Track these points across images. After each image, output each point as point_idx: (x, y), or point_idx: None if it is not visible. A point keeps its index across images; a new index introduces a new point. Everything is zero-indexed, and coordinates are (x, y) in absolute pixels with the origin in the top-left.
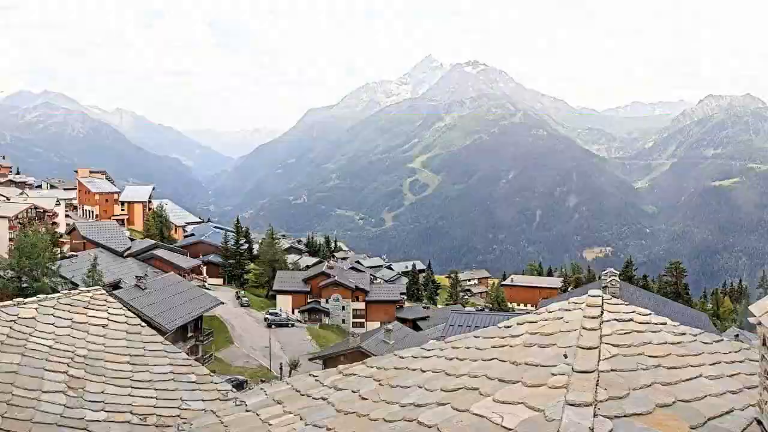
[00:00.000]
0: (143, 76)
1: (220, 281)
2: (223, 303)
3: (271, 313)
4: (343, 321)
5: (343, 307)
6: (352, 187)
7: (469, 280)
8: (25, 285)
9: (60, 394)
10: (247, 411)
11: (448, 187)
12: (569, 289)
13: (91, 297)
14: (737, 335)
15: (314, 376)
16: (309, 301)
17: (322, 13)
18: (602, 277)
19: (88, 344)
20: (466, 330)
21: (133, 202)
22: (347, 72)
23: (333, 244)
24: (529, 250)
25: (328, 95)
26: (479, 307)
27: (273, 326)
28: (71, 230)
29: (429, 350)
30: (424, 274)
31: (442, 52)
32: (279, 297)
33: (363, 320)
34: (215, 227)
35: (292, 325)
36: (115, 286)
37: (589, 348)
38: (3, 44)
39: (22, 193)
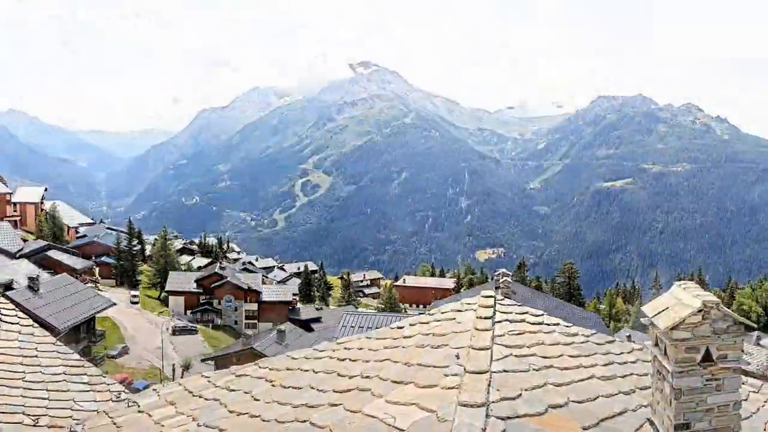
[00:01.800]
0: (37, 76)
1: (112, 282)
2: (115, 304)
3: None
4: (236, 322)
5: (236, 308)
6: (244, 188)
7: (362, 281)
8: None
9: None
10: (139, 412)
11: (340, 188)
12: (462, 289)
13: None
14: (629, 336)
15: (207, 377)
16: (201, 302)
17: (215, 12)
18: (495, 278)
19: None
20: (359, 331)
21: (26, 203)
22: (239, 73)
23: (225, 245)
24: (421, 251)
25: (220, 96)
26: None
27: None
28: None
29: (321, 351)
30: (316, 275)
31: (335, 53)
32: (171, 298)
33: (255, 321)
34: (108, 228)
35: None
36: (7, 287)
37: (482, 349)
38: None
39: None
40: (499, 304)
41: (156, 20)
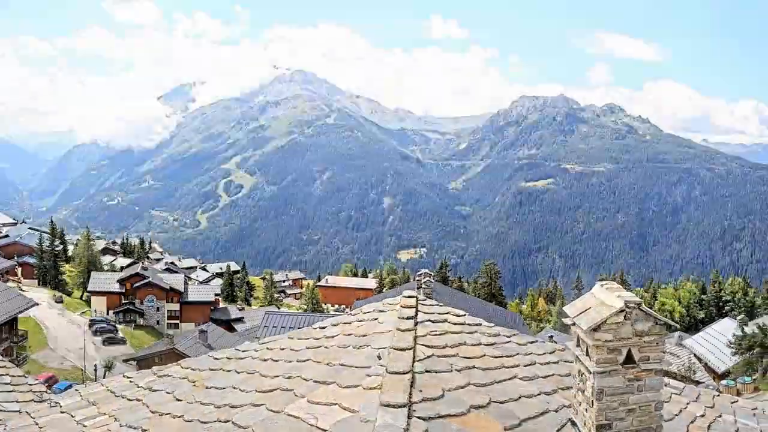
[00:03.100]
0: None
1: (35, 282)
2: (37, 304)
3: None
4: (158, 322)
5: (158, 308)
6: (166, 188)
7: (284, 281)
8: None
9: None
10: (61, 412)
11: (262, 188)
12: (384, 290)
13: None
14: (552, 336)
15: (129, 377)
16: (124, 302)
17: (140, 13)
18: (417, 278)
19: None
20: (281, 331)
21: None
22: (161, 72)
23: (148, 245)
24: (344, 251)
25: (143, 96)
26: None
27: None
28: None
29: (243, 351)
30: (238, 275)
31: (258, 54)
32: (94, 298)
33: (178, 321)
34: (30, 228)
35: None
36: None
37: (404, 349)
38: None
39: None
40: (421, 304)
41: (78, 18)
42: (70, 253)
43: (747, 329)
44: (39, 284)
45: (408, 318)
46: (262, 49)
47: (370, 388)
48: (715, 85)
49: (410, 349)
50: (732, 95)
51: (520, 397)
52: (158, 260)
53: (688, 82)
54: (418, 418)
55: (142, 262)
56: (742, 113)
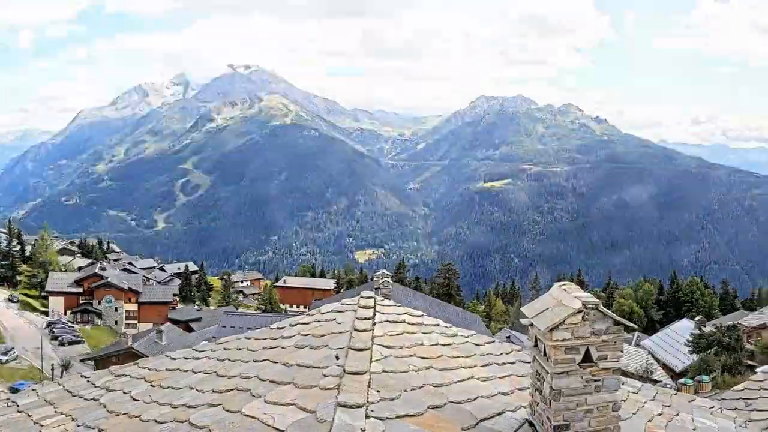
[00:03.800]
0: None
1: None
2: None
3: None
4: (116, 322)
5: (116, 309)
6: (123, 189)
7: (242, 282)
8: None
9: None
10: (18, 412)
11: (220, 188)
12: (342, 290)
13: None
14: (509, 336)
15: (86, 377)
16: (81, 302)
17: (90, 12)
18: (374, 279)
19: None
20: (239, 331)
21: None
22: (119, 72)
23: (106, 246)
24: (301, 251)
25: (100, 96)
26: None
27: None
28: None
29: (201, 351)
30: (196, 276)
31: (215, 53)
32: (51, 298)
33: (135, 321)
34: None
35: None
36: None
37: (361, 349)
38: None
39: None
40: (379, 304)
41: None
42: (27, 254)
43: (705, 329)
44: None
45: (365, 318)
46: (219, 48)
47: (328, 389)
48: (673, 87)
49: (368, 349)
50: (690, 97)
51: (477, 398)
52: (116, 260)
53: (644, 82)
54: (376, 418)
55: (100, 263)
56: (700, 114)
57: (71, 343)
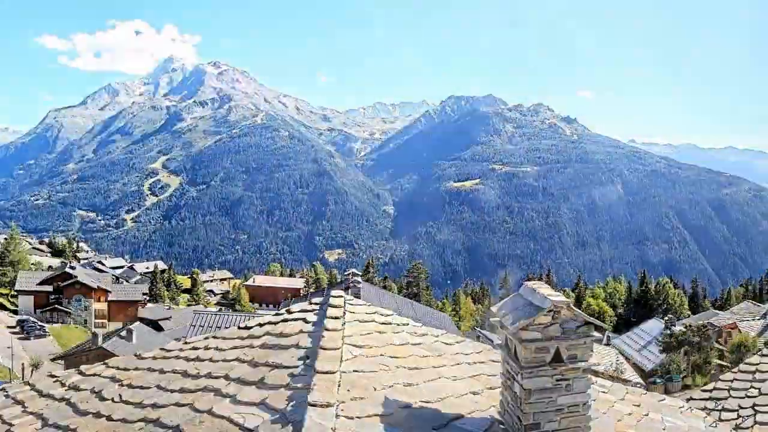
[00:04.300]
0: None
1: None
2: None
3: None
4: (85, 321)
5: (86, 307)
6: (93, 188)
7: (212, 281)
8: None
9: None
10: None
11: (189, 188)
12: (311, 289)
13: None
14: (479, 336)
15: (55, 376)
16: (51, 301)
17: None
18: (344, 278)
19: None
20: (208, 331)
21: None
22: (90, 72)
23: (75, 245)
24: (271, 250)
25: (70, 95)
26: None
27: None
28: None
29: (170, 351)
30: (166, 275)
31: (185, 53)
32: (21, 297)
33: (105, 320)
34: None
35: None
36: None
37: (331, 349)
38: None
39: None
40: (349, 304)
41: None
42: None
43: (674, 329)
44: None
45: (335, 318)
46: (189, 47)
47: (298, 388)
48: (644, 86)
49: (337, 348)
50: (661, 97)
51: (447, 397)
52: (86, 260)
53: (614, 82)
54: (346, 417)
55: (70, 262)
56: (669, 114)
57: (37, 336)
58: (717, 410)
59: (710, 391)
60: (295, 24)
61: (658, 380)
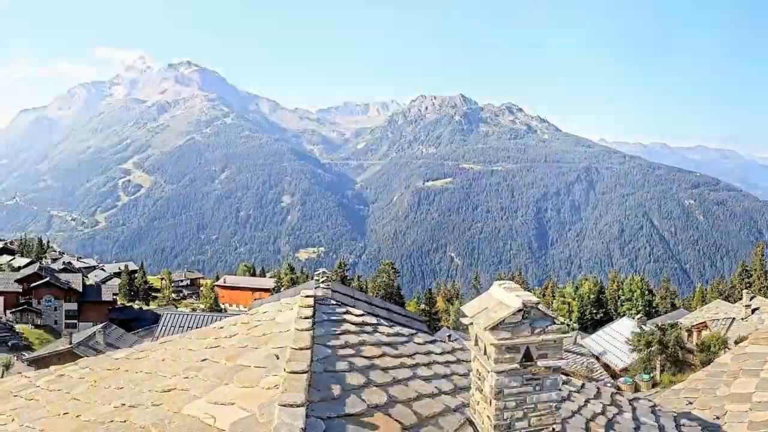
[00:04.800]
0: None
1: None
2: None
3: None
4: (56, 322)
5: (56, 308)
6: (65, 188)
7: (182, 281)
8: None
9: None
10: None
11: (161, 188)
12: (282, 289)
13: None
14: (450, 336)
15: (27, 377)
16: (21, 301)
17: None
18: (315, 278)
19: None
20: (179, 330)
21: None
22: (61, 71)
23: (46, 245)
24: (241, 250)
25: (41, 95)
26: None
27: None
28: None
29: (141, 351)
30: (137, 275)
31: (157, 53)
32: None
33: (76, 321)
34: None
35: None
36: None
37: (302, 348)
38: None
39: None
40: (320, 303)
41: None
42: None
43: (645, 328)
44: None
45: (306, 317)
46: (161, 47)
47: (269, 388)
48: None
49: (309, 348)
50: (632, 96)
51: (419, 397)
52: (56, 260)
53: (585, 82)
54: (317, 417)
55: (41, 262)
56: (640, 113)
57: (14, 348)
58: (688, 409)
59: (681, 390)
60: (267, 24)
61: (629, 379)
